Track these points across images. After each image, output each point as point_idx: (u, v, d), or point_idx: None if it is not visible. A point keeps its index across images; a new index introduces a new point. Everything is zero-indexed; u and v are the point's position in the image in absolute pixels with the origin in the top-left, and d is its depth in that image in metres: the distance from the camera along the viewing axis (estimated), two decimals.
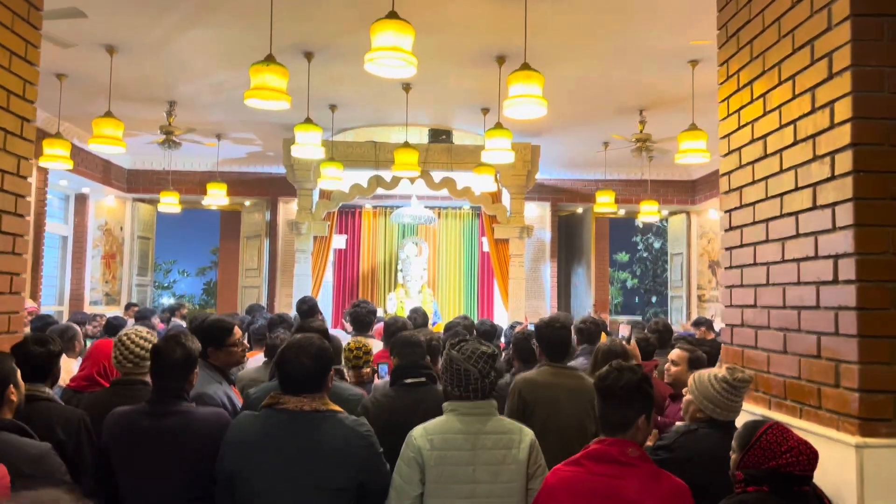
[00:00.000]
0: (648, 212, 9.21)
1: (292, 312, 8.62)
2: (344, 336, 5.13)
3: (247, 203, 11.08)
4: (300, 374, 2.27)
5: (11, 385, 2.28)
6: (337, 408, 2.33)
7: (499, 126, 6.08)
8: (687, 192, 10.89)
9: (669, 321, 11.36)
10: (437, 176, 8.88)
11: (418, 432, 2.32)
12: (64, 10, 4.81)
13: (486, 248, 10.54)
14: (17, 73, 3.10)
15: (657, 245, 19.29)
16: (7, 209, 3.02)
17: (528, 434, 2.35)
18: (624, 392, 2.12)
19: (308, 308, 5.65)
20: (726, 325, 3.18)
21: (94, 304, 10.06)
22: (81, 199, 10.19)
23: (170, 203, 9.17)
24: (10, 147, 3.05)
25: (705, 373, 2.55)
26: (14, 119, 3.09)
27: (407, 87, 6.72)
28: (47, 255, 9.02)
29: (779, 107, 2.74)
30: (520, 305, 8.93)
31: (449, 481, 2.25)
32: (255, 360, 4.31)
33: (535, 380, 3.31)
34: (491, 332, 5.04)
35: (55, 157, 6.53)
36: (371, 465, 2.29)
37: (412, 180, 8.53)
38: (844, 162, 2.31)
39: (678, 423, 2.73)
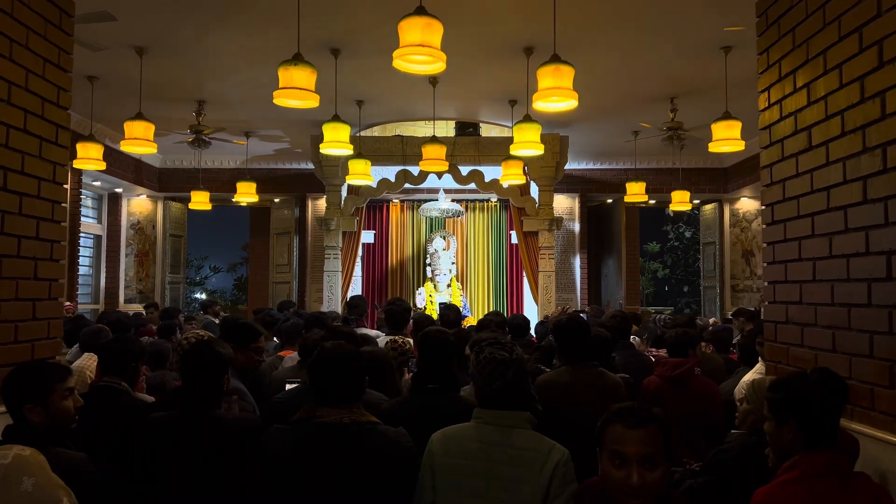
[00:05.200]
0: (680, 201, 9.05)
1: (323, 308, 8.70)
2: (377, 335, 5.11)
3: (276, 199, 11.14)
4: (338, 385, 2.17)
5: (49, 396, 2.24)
6: (375, 419, 2.24)
7: (527, 118, 6.01)
8: (719, 179, 10.68)
9: (702, 312, 11.23)
10: (465, 169, 8.82)
11: (437, 437, 2.21)
12: (94, 13, 4.84)
13: (514, 241, 10.47)
14: (50, 80, 3.12)
15: (688, 234, 19.00)
16: (44, 216, 3.05)
17: (558, 454, 2.09)
18: (838, 399, 1.94)
19: (349, 307, 5.84)
20: (769, 321, 3.10)
21: (128, 302, 10.23)
22: (114, 199, 10.35)
23: (200, 201, 9.25)
24: (46, 154, 3.08)
25: (766, 380, 2.45)
26: (49, 126, 3.11)
27: (434, 81, 6.67)
28: (82, 254, 9.18)
29: (824, 97, 2.65)
30: (550, 298, 8.86)
31: (458, 492, 2.11)
32: (290, 359, 4.30)
33: (555, 381, 3.20)
34: (523, 327, 4.99)
35: (88, 159, 6.63)
36: (413, 479, 2.19)
37: (440, 175, 8.49)
38: None
39: (733, 431, 2.67)
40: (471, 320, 8.53)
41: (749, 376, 3.65)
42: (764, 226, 3.16)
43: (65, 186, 3.22)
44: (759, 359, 3.74)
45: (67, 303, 7.37)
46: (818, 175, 2.69)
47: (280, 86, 4.69)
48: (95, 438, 2.62)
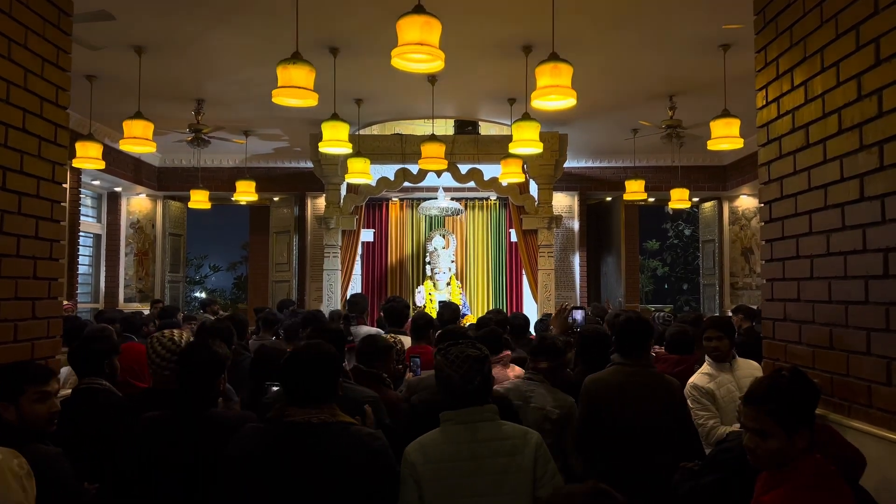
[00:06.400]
0: (679, 199, 9.05)
1: (323, 307, 8.70)
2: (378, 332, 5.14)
3: (275, 198, 11.14)
4: (306, 384, 2.14)
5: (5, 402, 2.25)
6: (349, 419, 2.18)
7: (526, 117, 6.01)
8: (718, 177, 10.69)
9: (702, 310, 11.23)
10: (464, 168, 8.82)
11: (413, 447, 2.19)
12: (92, 13, 4.84)
13: (514, 239, 10.48)
14: (49, 79, 3.12)
15: (688, 232, 19.00)
16: (43, 215, 3.06)
17: (533, 437, 2.20)
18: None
19: (349, 305, 5.96)
20: (767, 319, 3.10)
21: (128, 301, 10.23)
22: (114, 198, 10.35)
23: (200, 200, 9.25)
24: (45, 153, 3.08)
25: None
26: (47, 125, 3.11)
27: (433, 79, 6.67)
28: (82, 253, 9.18)
29: (822, 94, 2.65)
30: (549, 297, 8.87)
31: (450, 495, 2.11)
32: None
33: (607, 380, 3.16)
34: (524, 326, 5.00)
35: (87, 158, 6.63)
36: (382, 483, 2.13)
37: (439, 173, 8.50)
38: (894, 152, 2.23)
39: (732, 430, 2.67)
40: (470, 318, 8.54)
41: (694, 378, 3.64)
42: (762, 223, 3.16)
43: (64, 185, 3.23)
44: (707, 358, 3.73)
45: (66, 302, 7.37)
46: (816, 173, 2.69)
47: (279, 85, 4.69)
48: (80, 441, 2.61)
